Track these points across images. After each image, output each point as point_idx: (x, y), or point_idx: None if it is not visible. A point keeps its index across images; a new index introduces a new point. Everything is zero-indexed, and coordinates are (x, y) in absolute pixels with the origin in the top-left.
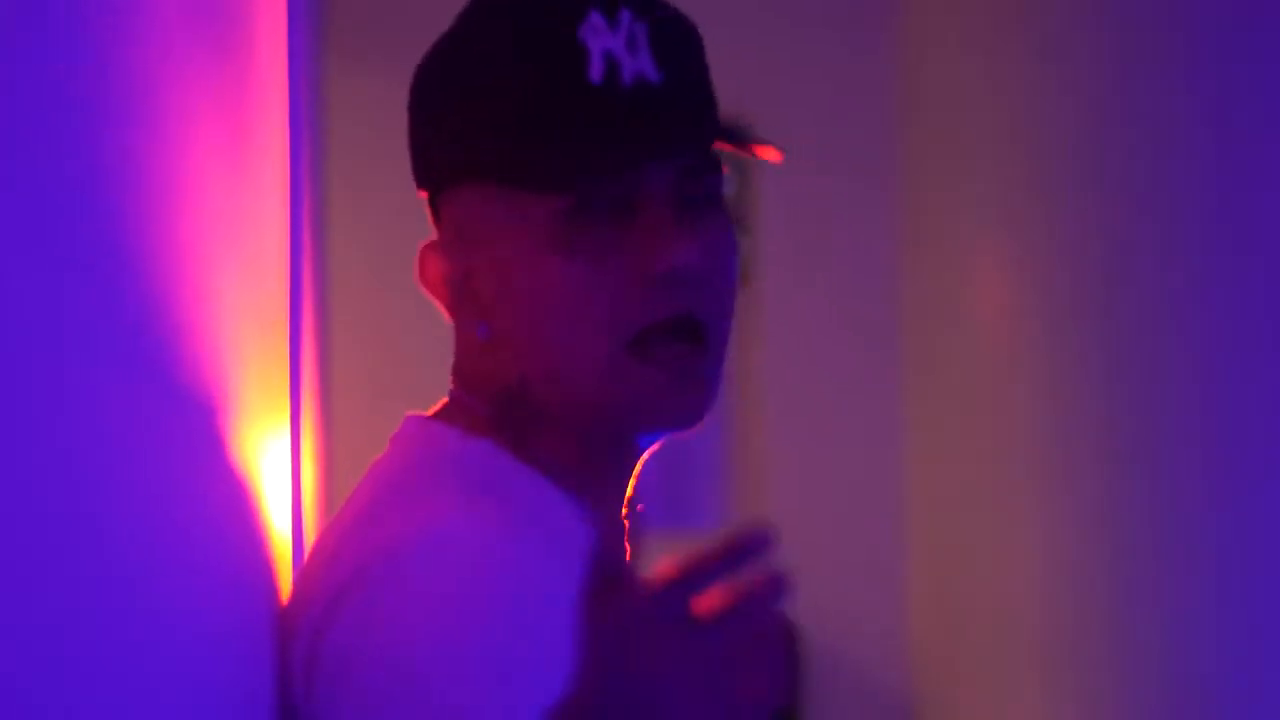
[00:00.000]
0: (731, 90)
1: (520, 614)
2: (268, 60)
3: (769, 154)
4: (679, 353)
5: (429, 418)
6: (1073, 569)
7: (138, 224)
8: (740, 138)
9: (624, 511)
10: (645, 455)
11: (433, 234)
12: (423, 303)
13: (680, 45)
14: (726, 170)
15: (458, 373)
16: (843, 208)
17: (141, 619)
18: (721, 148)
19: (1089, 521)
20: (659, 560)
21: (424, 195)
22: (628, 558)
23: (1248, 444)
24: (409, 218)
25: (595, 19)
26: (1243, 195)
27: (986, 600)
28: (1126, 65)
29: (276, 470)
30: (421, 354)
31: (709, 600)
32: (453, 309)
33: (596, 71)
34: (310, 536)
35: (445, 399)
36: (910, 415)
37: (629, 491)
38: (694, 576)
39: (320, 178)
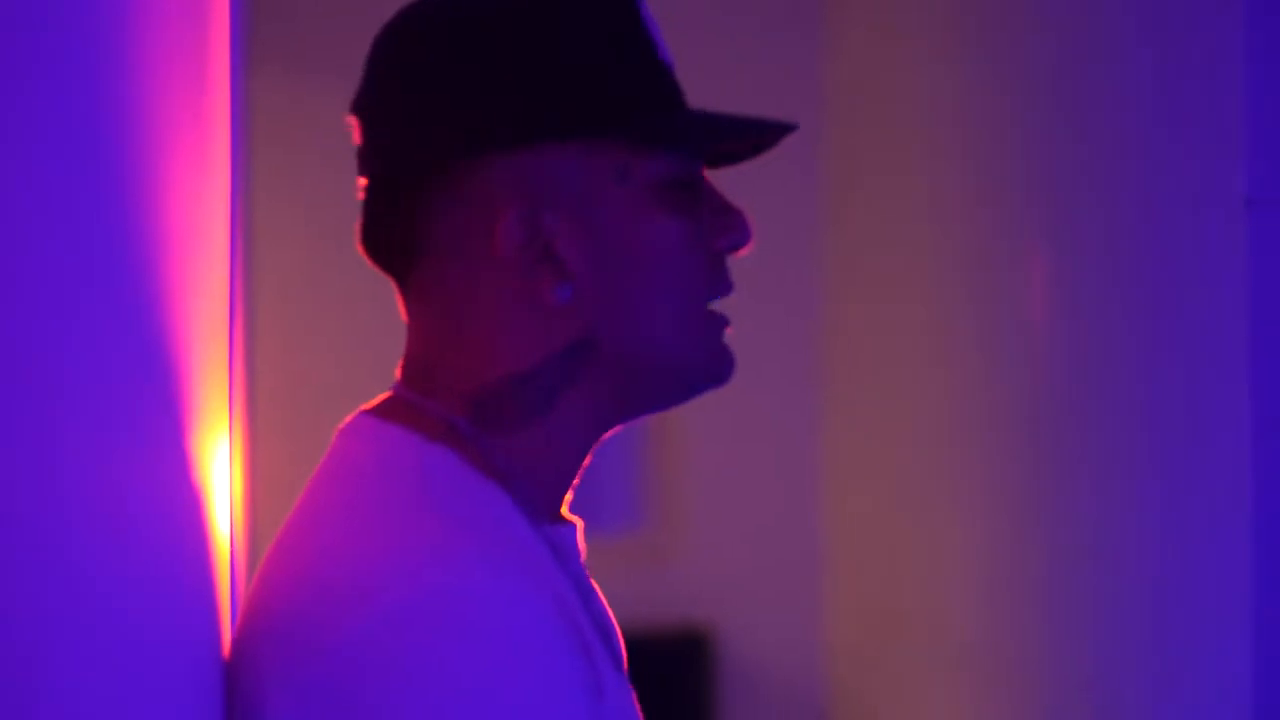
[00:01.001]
0: None
1: (540, 681)
2: (218, 62)
3: None
4: (726, 322)
5: (384, 419)
6: (993, 572)
7: (114, 224)
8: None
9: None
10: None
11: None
12: (343, 306)
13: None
14: None
15: (416, 374)
16: (763, 203)
17: (87, 622)
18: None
19: (1010, 524)
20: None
21: (413, 170)
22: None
23: (1173, 445)
24: (330, 220)
25: None
26: (1171, 195)
27: (904, 604)
28: (1062, 64)
29: (218, 474)
30: (342, 358)
31: None
32: (509, 272)
33: (662, 48)
34: (241, 538)
35: (388, 395)
36: (830, 416)
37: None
38: None
39: (245, 179)
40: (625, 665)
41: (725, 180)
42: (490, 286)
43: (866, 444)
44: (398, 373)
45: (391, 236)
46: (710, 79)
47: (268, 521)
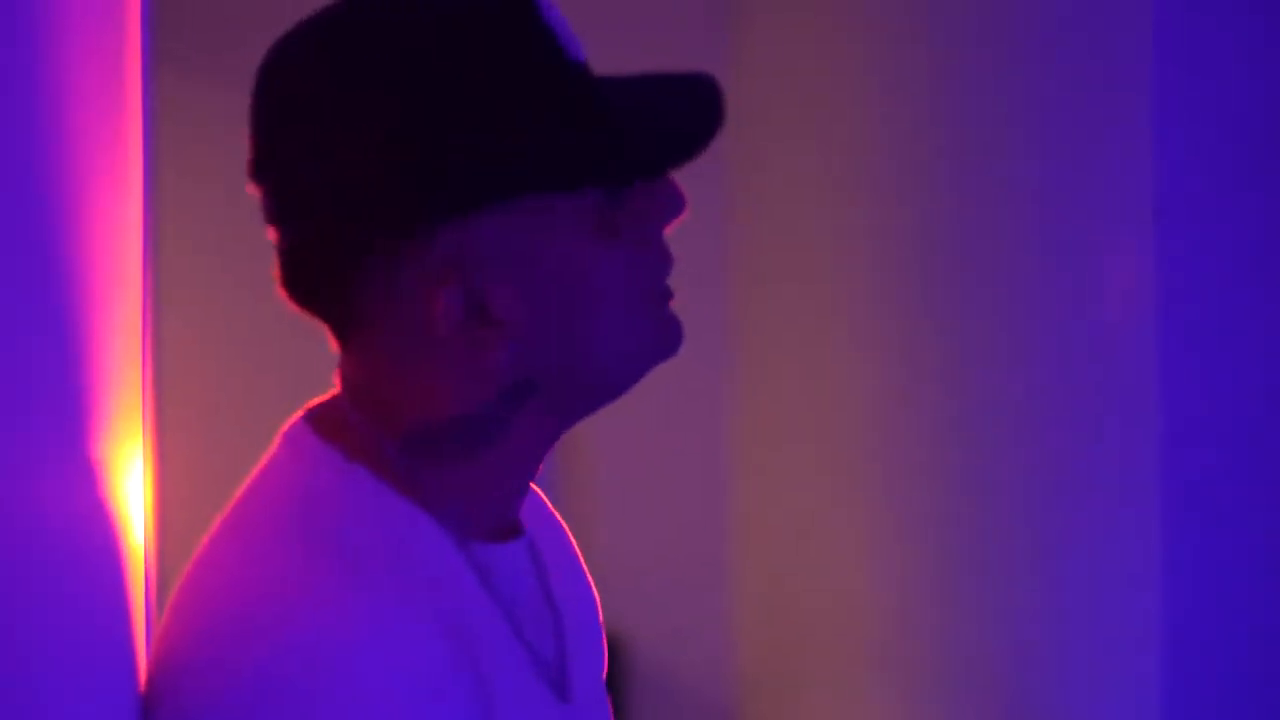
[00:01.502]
0: None
1: None
2: (132, 65)
3: None
4: (670, 295)
5: (313, 430)
6: (903, 574)
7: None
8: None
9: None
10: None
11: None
12: (252, 312)
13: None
14: None
15: (354, 390)
16: None
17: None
18: None
19: (917, 527)
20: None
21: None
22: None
23: (1083, 454)
24: (237, 223)
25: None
26: (1066, 194)
27: (813, 607)
28: (972, 71)
29: (131, 481)
30: (251, 363)
31: None
32: (450, 343)
33: (571, 49)
34: (153, 547)
35: (334, 392)
36: (736, 421)
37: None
38: None
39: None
40: (602, 674)
41: None
42: (429, 351)
43: (774, 448)
44: (336, 379)
45: (318, 297)
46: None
47: (178, 526)
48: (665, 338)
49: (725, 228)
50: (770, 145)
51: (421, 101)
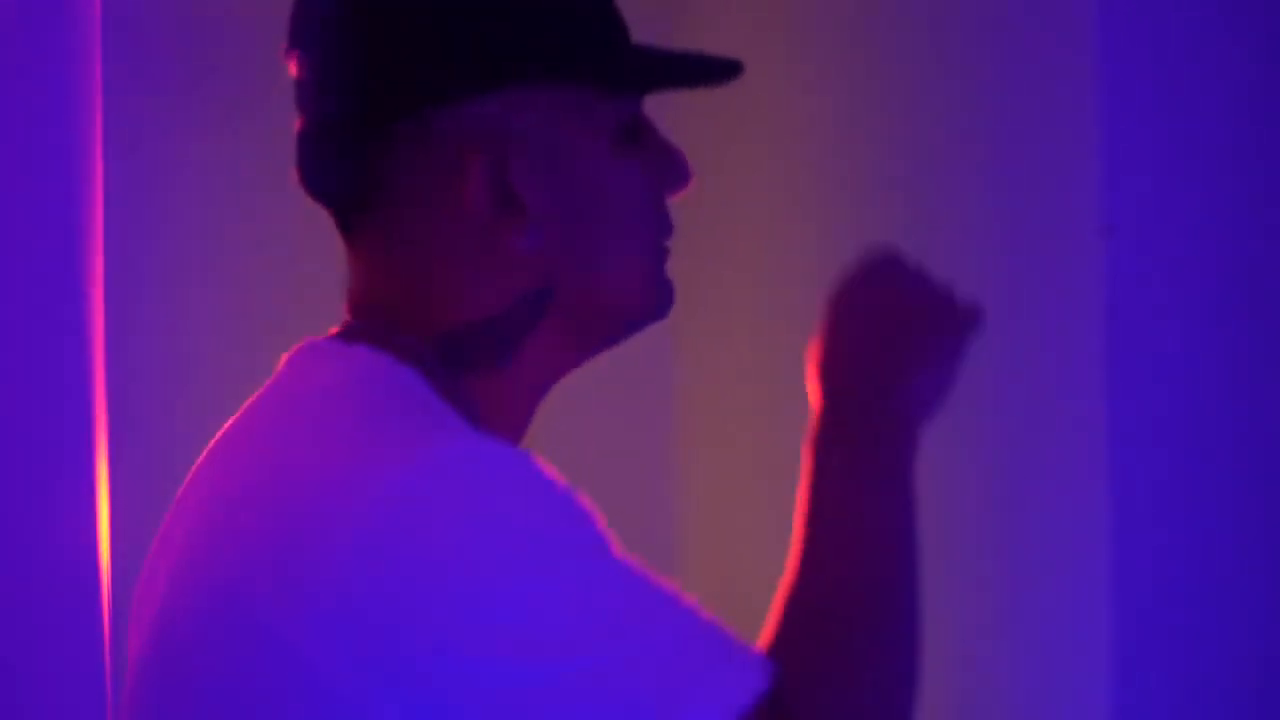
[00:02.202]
0: None
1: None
2: (87, 72)
3: None
4: (668, 255)
5: (347, 342)
6: None
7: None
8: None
9: None
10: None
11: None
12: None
13: None
14: None
15: (374, 309)
16: None
17: None
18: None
19: None
20: None
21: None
22: None
23: (1023, 460)
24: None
25: None
26: (1028, 221)
27: (760, 613)
28: (915, 88)
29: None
30: (199, 371)
31: None
32: (475, 224)
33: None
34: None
35: (338, 329)
36: (682, 420)
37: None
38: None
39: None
40: None
41: None
42: (454, 234)
43: (721, 451)
44: (346, 311)
45: (341, 180)
46: None
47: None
48: (661, 291)
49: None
50: (718, 147)
51: None
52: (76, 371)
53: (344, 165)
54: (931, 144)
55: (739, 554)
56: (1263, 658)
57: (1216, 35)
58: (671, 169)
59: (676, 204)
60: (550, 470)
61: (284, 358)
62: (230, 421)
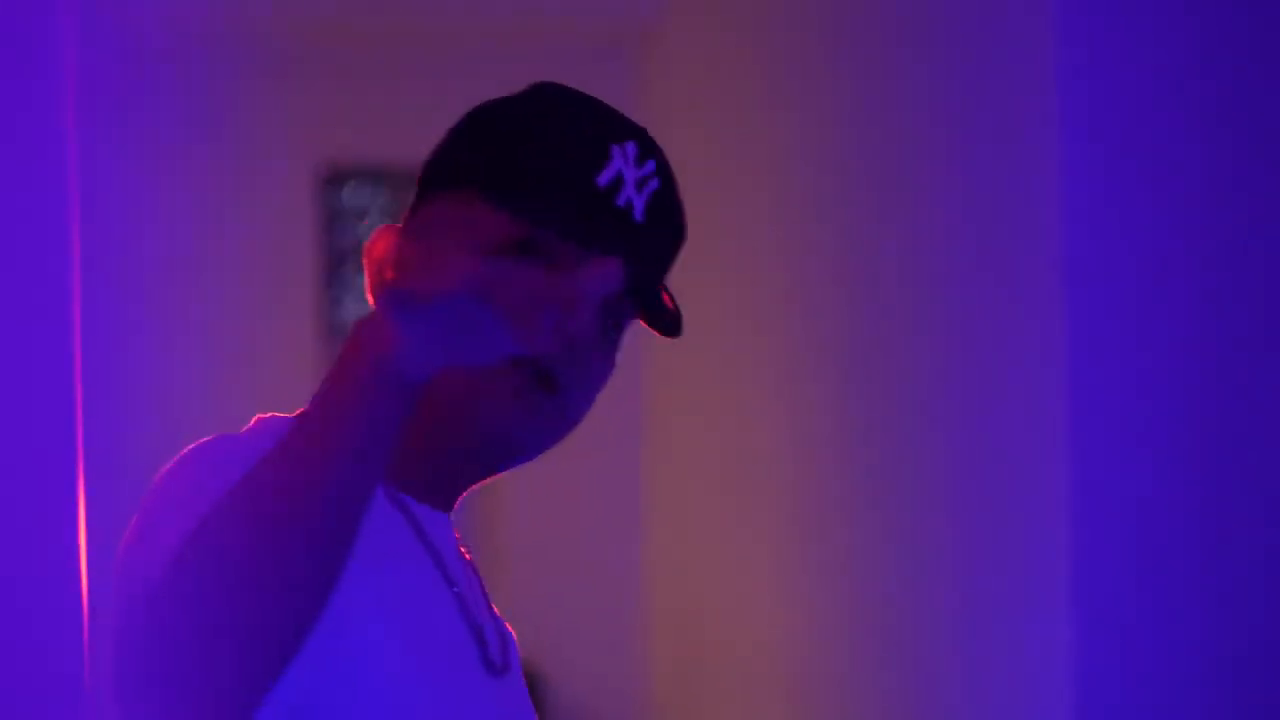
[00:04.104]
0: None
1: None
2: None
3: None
4: (535, 381)
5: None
6: (811, 617)
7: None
8: (660, 320)
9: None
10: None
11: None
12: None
13: (665, 221)
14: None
15: None
16: None
17: None
18: (639, 315)
19: (828, 569)
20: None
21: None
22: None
23: (986, 496)
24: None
25: (631, 148)
26: (989, 265)
27: (726, 649)
28: (880, 133)
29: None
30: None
31: None
32: (375, 287)
33: (606, 177)
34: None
35: None
36: (651, 461)
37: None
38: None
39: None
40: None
41: None
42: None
43: (688, 491)
44: None
45: None
46: None
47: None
48: (490, 390)
49: None
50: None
51: (487, 124)
52: (58, 386)
53: None
54: (897, 200)
55: (703, 601)
56: (1219, 657)
57: (1183, 78)
58: (554, 284)
59: None
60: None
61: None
62: None
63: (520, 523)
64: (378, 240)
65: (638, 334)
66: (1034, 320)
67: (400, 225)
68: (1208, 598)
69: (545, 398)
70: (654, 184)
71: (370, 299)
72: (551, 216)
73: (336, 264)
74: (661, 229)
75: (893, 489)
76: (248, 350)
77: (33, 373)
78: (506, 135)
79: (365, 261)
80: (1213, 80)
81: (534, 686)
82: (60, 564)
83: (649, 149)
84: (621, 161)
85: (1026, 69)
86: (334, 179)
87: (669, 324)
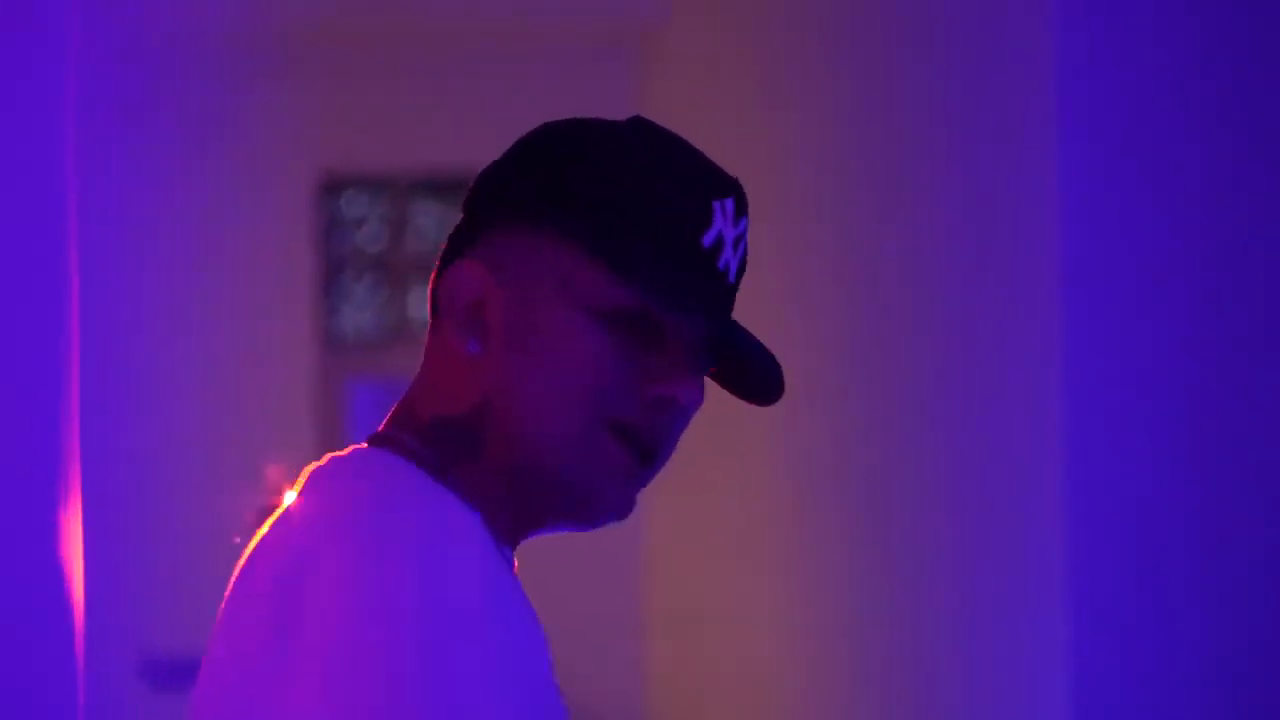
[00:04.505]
0: (470, 147)
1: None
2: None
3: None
4: (634, 456)
5: (356, 444)
6: (811, 640)
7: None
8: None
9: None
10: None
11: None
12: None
13: (744, 275)
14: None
15: (397, 413)
16: None
17: None
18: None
19: (828, 592)
20: None
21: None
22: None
23: (982, 520)
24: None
25: (730, 205)
26: (988, 271)
27: (727, 673)
28: (878, 143)
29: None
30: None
31: None
32: (446, 324)
33: (710, 238)
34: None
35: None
36: (653, 488)
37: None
38: None
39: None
40: None
41: None
42: (444, 335)
43: (689, 516)
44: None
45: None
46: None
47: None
48: (593, 456)
49: None
50: None
51: (578, 159)
52: (52, 392)
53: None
54: (896, 207)
55: (704, 625)
56: (1215, 657)
57: (1182, 78)
58: (663, 380)
59: None
60: (473, 540)
61: (309, 471)
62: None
63: (520, 550)
64: (467, 278)
65: None
66: (1033, 320)
67: (476, 251)
68: (1206, 598)
69: (644, 472)
70: (744, 243)
71: (453, 337)
72: (661, 286)
73: (334, 271)
74: (741, 283)
75: (892, 489)
76: (246, 357)
77: (30, 380)
78: (615, 181)
79: (443, 293)
80: (1212, 80)
81: None
82: (60, 565)
83: (743, 205)
84: (722, 221)
85: (1026, 69)
86: (332, 187)
87: (758, 384)
